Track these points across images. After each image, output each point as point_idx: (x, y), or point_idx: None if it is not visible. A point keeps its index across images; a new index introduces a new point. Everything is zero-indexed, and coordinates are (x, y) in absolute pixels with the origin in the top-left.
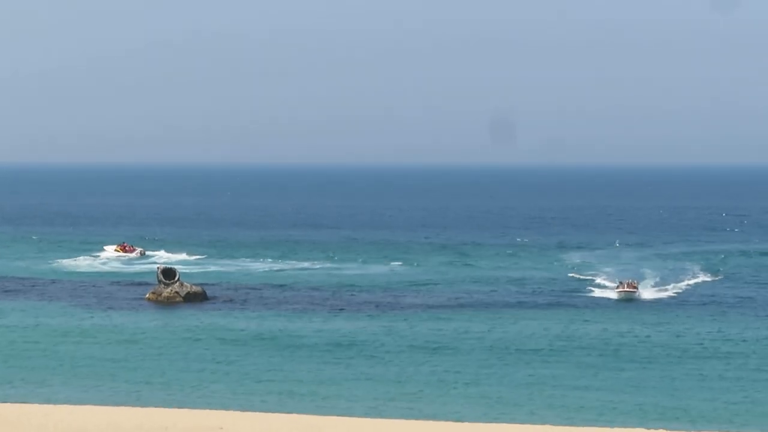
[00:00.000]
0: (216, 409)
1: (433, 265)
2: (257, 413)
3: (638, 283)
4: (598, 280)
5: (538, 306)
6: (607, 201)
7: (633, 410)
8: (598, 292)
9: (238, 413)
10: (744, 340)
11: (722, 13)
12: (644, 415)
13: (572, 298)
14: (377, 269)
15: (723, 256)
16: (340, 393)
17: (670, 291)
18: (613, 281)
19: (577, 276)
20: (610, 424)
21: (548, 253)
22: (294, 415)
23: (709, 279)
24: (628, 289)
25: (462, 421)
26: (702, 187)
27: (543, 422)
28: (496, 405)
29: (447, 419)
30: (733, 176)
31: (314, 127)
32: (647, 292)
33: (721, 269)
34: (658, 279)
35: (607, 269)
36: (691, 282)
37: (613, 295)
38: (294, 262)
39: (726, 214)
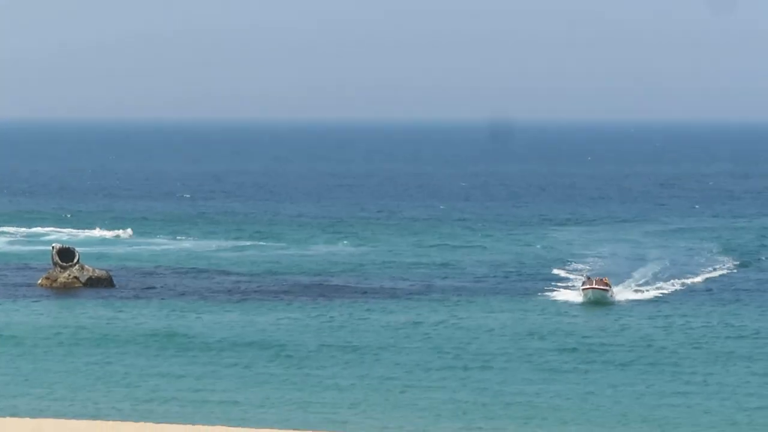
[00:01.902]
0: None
1: (385, 245)
2: (178, 425)
3: (610, 281)
4: (566, 274)
5: (496, 297)
6: (596, 166)
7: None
8: (560, 293)
9: (148, 425)
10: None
11: None
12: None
13: (533, 294)
14: (318, 250)
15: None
16: (236, 399)
17: (668, 287)
18: (580, 275)
19: (548, 262)
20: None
21: (525, 230)
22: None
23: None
24: (596, 287)
25: None
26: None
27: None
28: (430, 416)
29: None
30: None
31: None
32: (625, 293)
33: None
34: (656, 269)
35: (589, 254)
36: (710, 274)
37: (578, 297)
38: (229, 241)
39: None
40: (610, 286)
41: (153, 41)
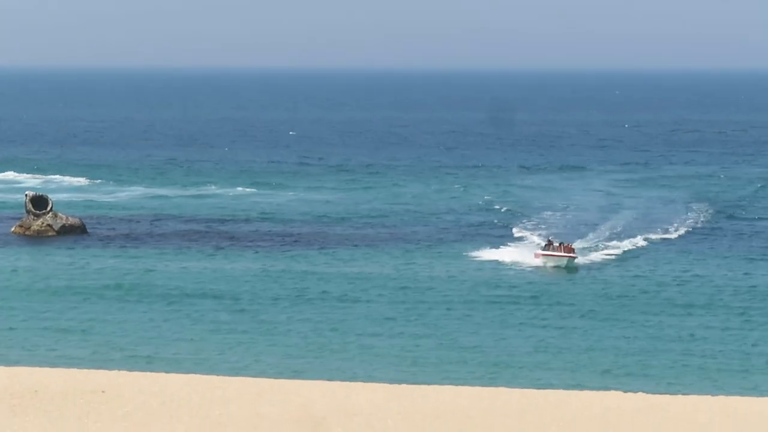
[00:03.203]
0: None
1: (344, 194)
2: (147, 373)
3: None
4: (520, 232)
5: (456, 247)
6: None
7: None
8: (512, 253)
9: (121, 373)
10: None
11: None
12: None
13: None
14: (289, 196)
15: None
16: (193, 348)
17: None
18: (540, 237)
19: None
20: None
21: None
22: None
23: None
24: (558, 254)
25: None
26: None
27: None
28: (404, 364)
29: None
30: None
31: None
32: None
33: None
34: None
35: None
36: (682, 229)
37: (535, 260)
38: (217, 187)
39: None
40: (575, 252)
41: None
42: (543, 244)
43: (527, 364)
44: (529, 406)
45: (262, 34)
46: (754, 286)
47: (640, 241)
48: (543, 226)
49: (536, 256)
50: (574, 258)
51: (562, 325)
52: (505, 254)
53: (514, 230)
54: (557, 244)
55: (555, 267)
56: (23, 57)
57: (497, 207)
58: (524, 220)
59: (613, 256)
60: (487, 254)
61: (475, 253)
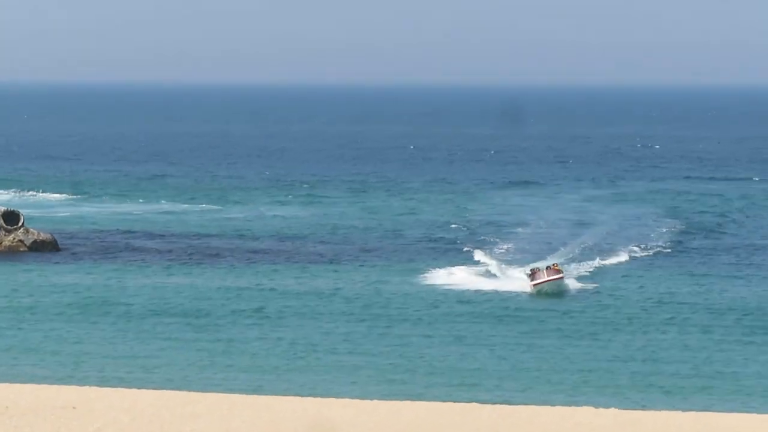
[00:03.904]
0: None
1: (314, 209)
2: (118, 389)
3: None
4: (485, 248)
5: (419, 263)
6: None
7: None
8: (477, 270)
9: (92, 388)
10: None
11: None
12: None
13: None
14: (256, 212)
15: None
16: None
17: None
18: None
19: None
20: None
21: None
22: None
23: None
24: (550, 278)
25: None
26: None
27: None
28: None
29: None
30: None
31: None
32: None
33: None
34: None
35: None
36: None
37: (524, 287)
38: (176, 204)
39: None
40: (562, 273)
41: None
42: (528, 272)
43: (496, 381)
44: (501, 421)
45: (237, 48)
46: (722, 303)
47: (606, 258)
48: (509, 243)
49: (532, 287)
50: (562, 278)
51: (530, 342)
52: (470, 271)
53: (479, 246)
54: (544, 268)
55: (551, 290)
56: None
57: (461, 223)
58: (490, 237)
59: (582, 273)
60: (452, 270)
61: (439, 270)
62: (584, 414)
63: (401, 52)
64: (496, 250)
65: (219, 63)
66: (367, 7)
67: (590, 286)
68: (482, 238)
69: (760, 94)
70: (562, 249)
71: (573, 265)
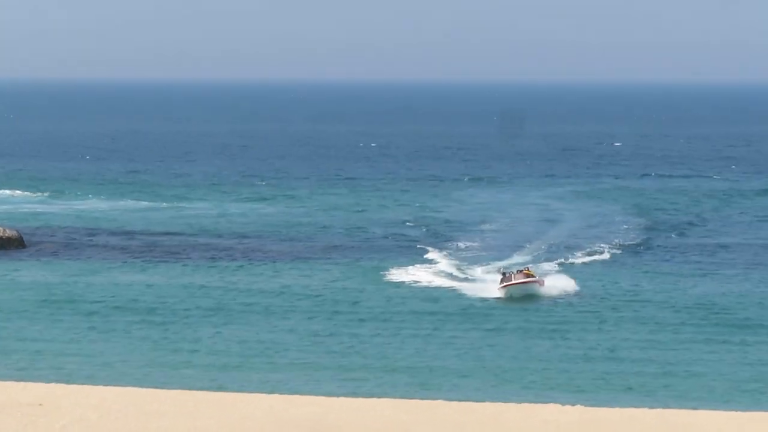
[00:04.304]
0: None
1: (278, 206)
2: (85, 386)
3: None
4: (446, 246)
5: (380, 261)
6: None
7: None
8: (439, 269)
9: (59, 386)
10: None
11: None
12: None
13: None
14: (223, 209)
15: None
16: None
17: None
18: (486, 267)
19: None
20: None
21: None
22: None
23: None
24: (522, 281)
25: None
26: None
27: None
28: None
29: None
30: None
31: None
32: (558, 280)
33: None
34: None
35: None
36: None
37: (493, 293)
38: (141, 202)
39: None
40: (535, 277)
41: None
42: (501, 274)
43: (460, 378)
44: (468, 418)
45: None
46: (686, 301)
47: (571, 256)
48: (473, 241)
49: (500, 289)
50: (537, 282)
51: (494, 340)
52: (433, 269)
53: (442, 244)
54: (515, 272)
55: (523, 294)
56: None
57: (424, 221)
58: (454, 234)
59: (548, 272)
60: (415, 269)
61: (402, 268)
62: (550, 411)
63: (401, 50)
64: (460, 247)
65: (216, 62)
66: (363, 7)
67: (557, 284)
68: (446, 235)
69: (746, 93)
70: (528, 246)
71: (541, 265)
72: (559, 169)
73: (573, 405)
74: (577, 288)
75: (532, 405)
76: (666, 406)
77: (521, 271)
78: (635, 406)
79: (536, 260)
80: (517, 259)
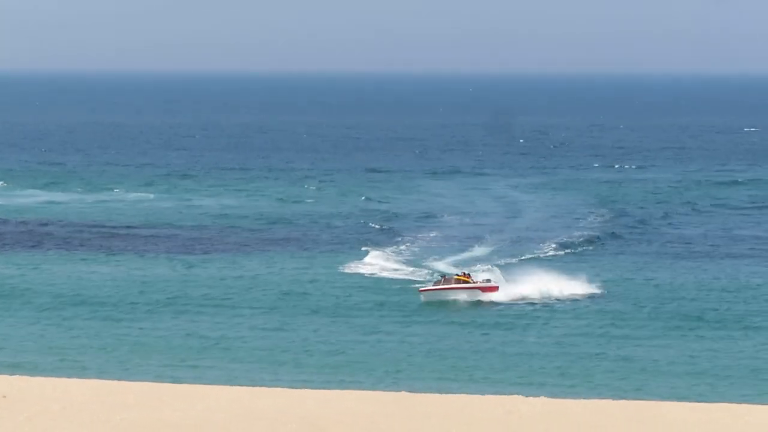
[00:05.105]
0: None
1: (224, 198)
2: (49, 378)
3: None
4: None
5: (321, 254)
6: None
7: None
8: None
9: (22, 378)
10: None
11: None
12: None
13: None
14: (188, 201)
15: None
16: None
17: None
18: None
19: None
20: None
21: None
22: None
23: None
24: (441, 287)
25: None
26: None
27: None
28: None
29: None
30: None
31: None
32: (513, 288)
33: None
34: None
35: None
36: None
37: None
38: (117, 192)
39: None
40: (472, 281)
41: None
42: (438, 278)
43: (420, 370)
44: (433, 410)
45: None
46: (647, 292)
47: (529, 249)
48: (432, 232)
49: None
50: (478, 288)
51: (451, 331)
52: (389, 261)
53: (395, 237)
54: (452, 276)
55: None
56: None
57: (382, 212)
58: (411, 226)
59: (507, 262)
60: (370, 260)
61: (357, 261)
62: (513, 402)
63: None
64: (418, 239)
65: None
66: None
67: (517, 277)
68: (402, 227)
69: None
70: (488, 238)
71: (496, 262)
72: (517, 161)
73: (536, 396)
74: (540, 292)
75: (495, 396)
76: (633, 397)
77: (457, 276)
78: (599, 398)
79: (494, 253)
80: (480, 251)
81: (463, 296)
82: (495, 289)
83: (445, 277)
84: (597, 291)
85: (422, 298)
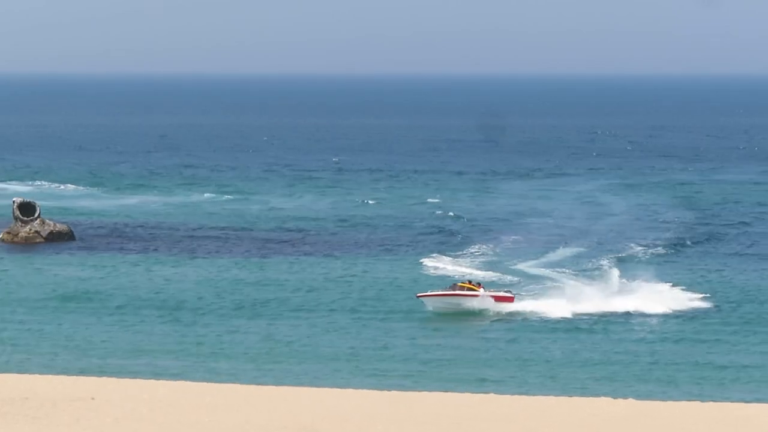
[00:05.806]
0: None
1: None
2: (136, 380)
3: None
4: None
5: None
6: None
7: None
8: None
9: (110, 380)
10: None
11: None
12: None
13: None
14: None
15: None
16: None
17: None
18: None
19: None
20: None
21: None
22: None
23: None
24: (441, 293)
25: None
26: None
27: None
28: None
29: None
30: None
31: None
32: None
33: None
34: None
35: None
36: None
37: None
38: (209, 194)
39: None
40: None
41: None
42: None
43: (503, 372)
44: (518, 411)
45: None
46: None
47: (616, 250)
48: (512, 235)
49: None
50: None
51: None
52: (461, 264)
53: (470, 240)
54: (466, 282)
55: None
56: None
57: (453, 215)
58: (489, 229)
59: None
60: (445, 264)
61: (434, 263)
62: (599, 405)
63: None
64: (502, 241)
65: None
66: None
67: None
68: (482, 229)
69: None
70: (572, 240)
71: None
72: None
73: (625, 398)
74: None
75: (581, 398)
76: (716, 399)
77: (463, 283)
78: (687, 400)
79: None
80: (564, 253)
81: (474, 305)
82: (511, 299)
83: (455, 284)
84: (688, 295)
85: (429, 307)
